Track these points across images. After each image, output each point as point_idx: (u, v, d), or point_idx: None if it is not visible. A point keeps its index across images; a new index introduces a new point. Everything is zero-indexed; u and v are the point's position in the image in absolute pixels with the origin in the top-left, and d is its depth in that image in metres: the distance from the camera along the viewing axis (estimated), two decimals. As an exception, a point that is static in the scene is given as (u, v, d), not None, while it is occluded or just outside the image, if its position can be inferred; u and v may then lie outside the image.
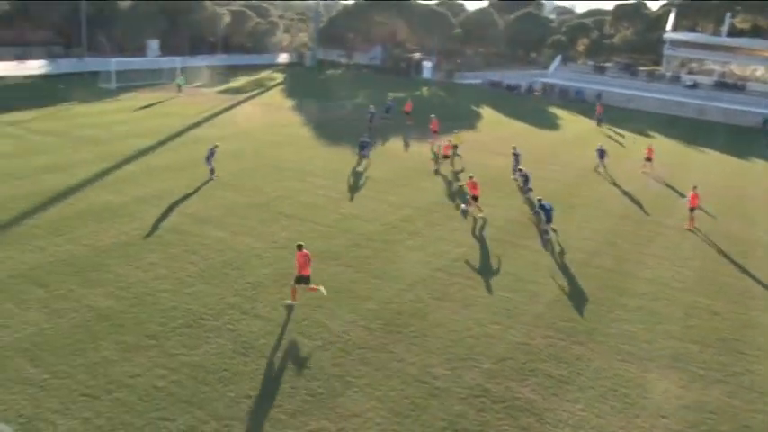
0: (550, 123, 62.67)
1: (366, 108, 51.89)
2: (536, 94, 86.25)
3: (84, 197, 28.55)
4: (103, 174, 32.57)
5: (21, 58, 71.41)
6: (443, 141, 41.25)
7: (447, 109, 66.22)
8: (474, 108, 68.90)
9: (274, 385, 15.46)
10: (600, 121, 61.87)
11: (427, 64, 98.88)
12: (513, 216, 30.18)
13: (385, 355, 17.18)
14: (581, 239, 27.75)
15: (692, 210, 30.36)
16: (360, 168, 37.00)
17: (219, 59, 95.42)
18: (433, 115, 48.01)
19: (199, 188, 30.94)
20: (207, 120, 50.39)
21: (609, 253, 26.44)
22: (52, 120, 46.12)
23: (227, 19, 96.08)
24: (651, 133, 59.85)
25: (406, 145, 45.11)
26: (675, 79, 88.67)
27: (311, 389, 15.45)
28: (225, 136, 43.75)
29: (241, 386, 15.31)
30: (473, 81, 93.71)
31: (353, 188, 32.98)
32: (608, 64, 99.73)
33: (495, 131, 54.38)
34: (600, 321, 20.20)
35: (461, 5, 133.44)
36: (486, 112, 67.16)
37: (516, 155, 37.85)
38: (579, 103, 78.97)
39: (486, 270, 23.57)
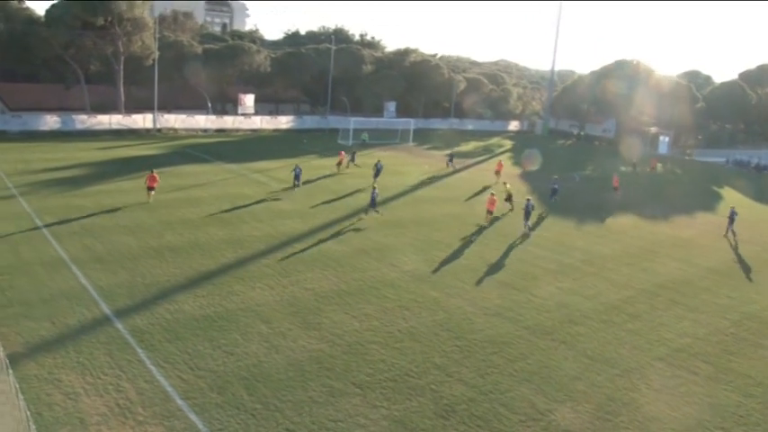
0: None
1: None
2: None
3: (312, 243, 30.48)
4: (332, 223, 34.63)
5: (273, 113, 79.24)
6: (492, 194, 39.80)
7: (681, 186, 62.22)
8: (714, 188, 63.91)
9: (471, 455, 15.01)
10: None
11: (664, 138, 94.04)
12: (754, 311, 26.91)
13: (591, 442, 16.00)
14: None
15: None
16: (581, 243, 35.66)
17: (451, 123, 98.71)
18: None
19: (420, 246, 31.67)
20: (434, 181, 51.98)
21: None
22: (294, 170, 50.22)
23: (462, 85, 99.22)
24: None
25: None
26: None
27: (508, 466, 14.77)
28: (448, 198, 44.74)
29: (437, 450, 15.05)
30: (715, 159, 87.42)
31: (574, 262, 31.77)
32: None
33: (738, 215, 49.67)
34: None
35: (708, 78, 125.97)
36: (728, 193, 61.89)
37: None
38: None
39: (715, 367, 21.13)
